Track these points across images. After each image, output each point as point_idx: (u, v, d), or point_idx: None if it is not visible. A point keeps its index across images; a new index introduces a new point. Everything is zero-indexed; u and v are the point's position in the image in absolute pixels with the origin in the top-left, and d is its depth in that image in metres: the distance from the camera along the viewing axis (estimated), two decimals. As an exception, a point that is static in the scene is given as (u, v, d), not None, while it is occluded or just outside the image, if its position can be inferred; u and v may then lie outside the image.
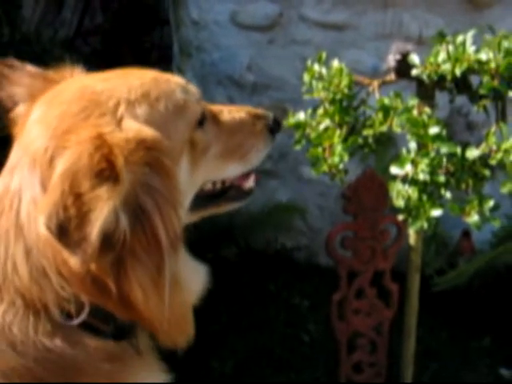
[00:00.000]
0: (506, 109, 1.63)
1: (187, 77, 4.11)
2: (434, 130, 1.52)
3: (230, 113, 1.50)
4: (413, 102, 1.62)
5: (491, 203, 1.56)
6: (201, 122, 1.35)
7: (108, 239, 1.04)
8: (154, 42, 4.87)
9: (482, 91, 1.56)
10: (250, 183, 1.56)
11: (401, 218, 1.64)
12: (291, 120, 1.72)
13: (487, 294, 3.02)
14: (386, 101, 1.61)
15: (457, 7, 3.11)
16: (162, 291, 1.14)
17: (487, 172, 1.55)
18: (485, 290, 3.01)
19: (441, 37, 1.66)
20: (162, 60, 4.44)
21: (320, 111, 1.69)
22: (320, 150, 1.63)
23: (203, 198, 1.45)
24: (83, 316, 1.17)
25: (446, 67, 1.55)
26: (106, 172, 1.02)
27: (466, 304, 3.03)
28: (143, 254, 1.10)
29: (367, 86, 1.75)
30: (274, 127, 1.55)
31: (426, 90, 1.72)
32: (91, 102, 1.18)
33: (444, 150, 1.51)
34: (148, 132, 1.15)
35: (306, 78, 1.72)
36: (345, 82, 1.64)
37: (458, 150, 1.54)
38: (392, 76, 1.76)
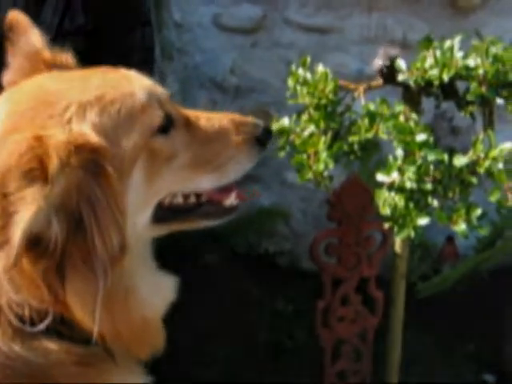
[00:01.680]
0: (494, 115, 1.61)
1: (169, 80, 4.07)
2: (420, 137, 1.49)
3: (210, 120, 1.40)
4: (399, 107, 1.60)
5: (479, 211, 1.53)
6: (164, 129, 1.27)
7: (37, 244, 1.00)
8: (135, 43, 4.81)
9: (469, 97, 1.54)
10: (231, 200, 1.45)
11: (387, 226, 1.61)
12: (275, 126, 1.68)
13: (472, 299, 3.01)
14: (372, 107, 1.59)
15: (441, 11, 3.10)
16: (94, 305, 1.09)
17: (474, 180, 1.53)
18: (469, 296, 3.00)
19: (428, 42, 1.63)
20: (144, 62, 4.39)
21: (304, 117, 1.66)
22: (304, 156, 1.60)
23: (171, 211, 1.36)
24: (47, 322, 1.13)
25: (434, 73, 1.52)
26: (36, 173, 0.98)
27: (450, 310, 3.01)
28: (82, 264, 1.06)
29: (352, 91, 1.72)
30: (264, 138, 1.45)
31: (412, 96, 1.69)
32: (42, 102, 1.15)
33: (431, 157, 1.48)
34: (92, 137, 1.11)
35: (290, 82, 1.69)
36: (330, 87, 1.61)
37: (446, 157, 1.51)
38: (379, 81, 1.73)
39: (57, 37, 4.46)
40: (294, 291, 3.40)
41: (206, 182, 1.38)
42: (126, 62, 1.42)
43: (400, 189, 1.55)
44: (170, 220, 1.36)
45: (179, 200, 1.37)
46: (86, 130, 1.12)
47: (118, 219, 1.10)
